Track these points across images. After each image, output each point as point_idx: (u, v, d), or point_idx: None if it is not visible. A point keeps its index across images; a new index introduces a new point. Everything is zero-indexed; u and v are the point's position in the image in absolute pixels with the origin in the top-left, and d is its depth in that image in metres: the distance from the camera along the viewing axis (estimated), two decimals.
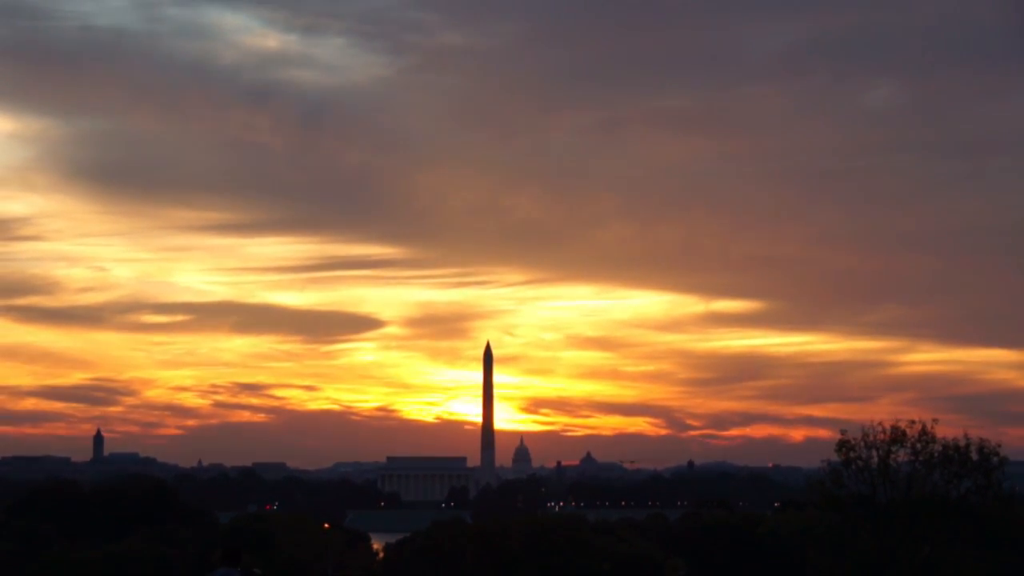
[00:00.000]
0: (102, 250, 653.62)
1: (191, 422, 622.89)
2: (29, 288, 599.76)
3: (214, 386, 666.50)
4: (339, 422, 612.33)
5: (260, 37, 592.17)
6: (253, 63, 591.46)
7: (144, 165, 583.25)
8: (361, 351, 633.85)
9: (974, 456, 67.43)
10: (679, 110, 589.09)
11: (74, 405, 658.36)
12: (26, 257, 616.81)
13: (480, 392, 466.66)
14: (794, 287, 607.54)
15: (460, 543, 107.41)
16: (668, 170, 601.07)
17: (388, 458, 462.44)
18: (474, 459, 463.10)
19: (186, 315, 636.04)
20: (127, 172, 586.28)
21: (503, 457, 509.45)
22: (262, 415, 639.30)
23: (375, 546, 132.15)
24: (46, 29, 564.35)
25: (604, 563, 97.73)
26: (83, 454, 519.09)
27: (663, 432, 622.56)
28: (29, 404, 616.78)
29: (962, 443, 67.61)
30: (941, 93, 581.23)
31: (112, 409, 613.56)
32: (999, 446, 67.72)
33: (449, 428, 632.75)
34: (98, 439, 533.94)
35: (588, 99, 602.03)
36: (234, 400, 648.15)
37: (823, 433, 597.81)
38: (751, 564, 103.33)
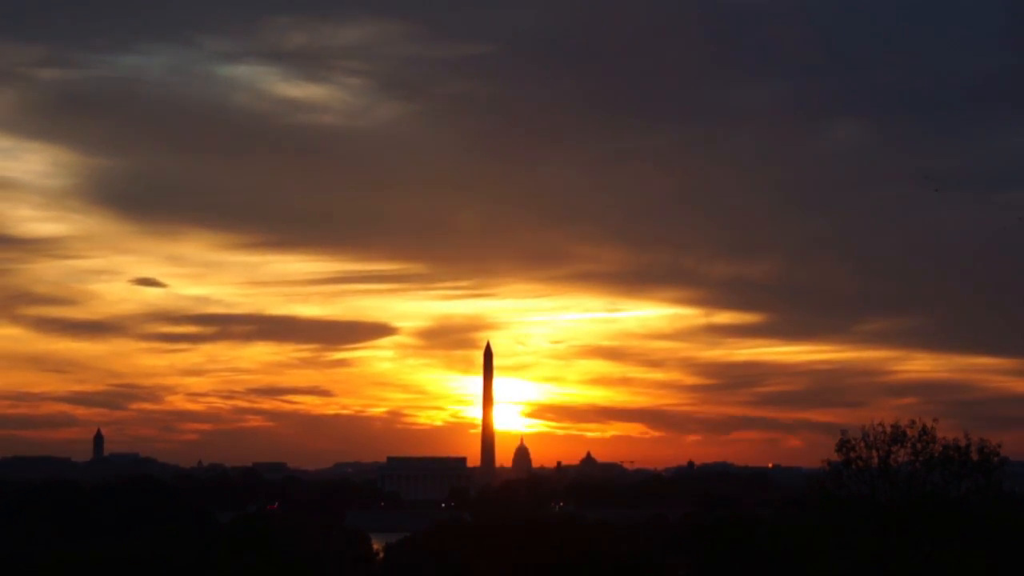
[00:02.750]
0: (132, 267, 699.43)
1: (207, 426, 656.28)
2: (64, 301, 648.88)
3: (232, 392, 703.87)
4: (347, 425, 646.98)
5: (279, 85, 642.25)
6: (273, 108, 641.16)
7: (174, 194, 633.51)
8: (375, 359, 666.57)
9: (974, 456, 67.47)
10: (668, 146, 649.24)
11: (97, 410, 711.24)
12: (63, 273, 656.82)
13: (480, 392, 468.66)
14: (787, 300, 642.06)
15: (460, 543, 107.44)
16: (660, 198, 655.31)
17: (388, 458, 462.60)
18: (474, 459, 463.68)
19: (209, 326, 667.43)
20: (157, 199, 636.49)
21: (503, 457, 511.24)
22: (277, 420, 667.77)
23: (375, 546, 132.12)
24: (85, 78, 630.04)
25: (604, 563, 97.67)
26: (84, 454, 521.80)
27: (664, 435, 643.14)
28: (56, 409, 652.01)
29: (962, 443, 67.69)
30: (901, 132, 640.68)
31: (133, 414, 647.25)
32: (999, 446, 67.85)
33: (453, 431, 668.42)
34: (98, 439, 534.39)
35: (585, 135, 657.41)
36: (250, 405, 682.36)
37: (822, 438, 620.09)
38: (751, 564, 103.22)
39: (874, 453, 68.45)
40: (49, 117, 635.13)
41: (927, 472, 68.01)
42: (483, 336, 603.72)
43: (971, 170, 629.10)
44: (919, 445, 67.96)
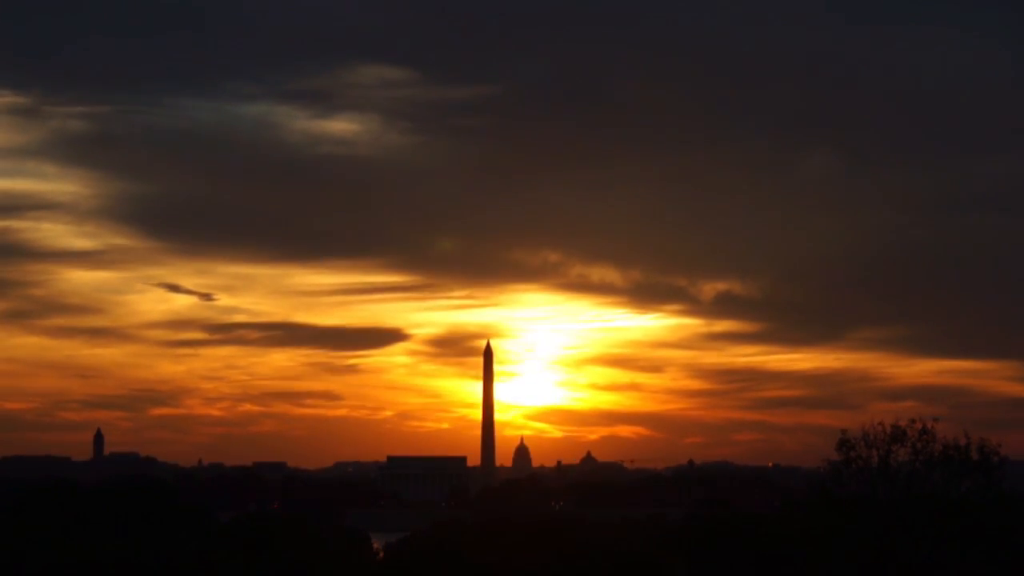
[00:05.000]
0: (158, 279, 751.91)
1: (221, 429, 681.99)
2: (92, 310, 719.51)
3: (249, 396, 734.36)
4: (355, 428, 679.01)
5: (298, 121, 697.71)
6: (293, 140, 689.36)
7: (199, 214, 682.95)
8: (386, 365, 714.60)
9: (974, 455, 67.45)
10: (660, 173, 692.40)
11: (117, 413, 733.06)
12: (93, 285, 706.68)
13: (481, 391, 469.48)
14: (782, 312, 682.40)
15: (460, 542, 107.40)
16: (651, 221, 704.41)
17: (389, 457, 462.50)
18: (474, 459, 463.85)
19: (229, 333, 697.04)
20: (184, 219, 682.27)
21: (503, 457, 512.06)
22: (289, 423, 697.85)
23: (375, 546, 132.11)
24: (119, 116, 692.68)
25: (604, 562, 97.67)
26: (84, 454, 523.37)
27: (665, 436, 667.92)
28: (78, 414, 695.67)
29: (962, 442, 67.67)
30: (881, 159, 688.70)
31: (150, 417, 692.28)
32: (999, 446, 67.86)
33: (455, 433, 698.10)
34: (98, 439, 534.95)
35: (582, 163, 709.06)
36: (264, 409, 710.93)
37: (822, 441, 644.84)
38: (751, 564, 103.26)
39: (874, 452, 68.42)
40: (87, 148, 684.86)
41: (927, 471, 67.99)
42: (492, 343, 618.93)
43: (947, 193, 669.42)
44: (919, 444, 67.94)
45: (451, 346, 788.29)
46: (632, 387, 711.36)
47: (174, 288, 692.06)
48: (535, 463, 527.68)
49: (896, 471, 68.50)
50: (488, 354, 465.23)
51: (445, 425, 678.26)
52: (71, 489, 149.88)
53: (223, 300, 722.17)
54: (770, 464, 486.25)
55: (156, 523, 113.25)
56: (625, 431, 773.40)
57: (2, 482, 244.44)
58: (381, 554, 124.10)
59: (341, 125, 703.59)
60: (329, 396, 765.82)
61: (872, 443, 68.42)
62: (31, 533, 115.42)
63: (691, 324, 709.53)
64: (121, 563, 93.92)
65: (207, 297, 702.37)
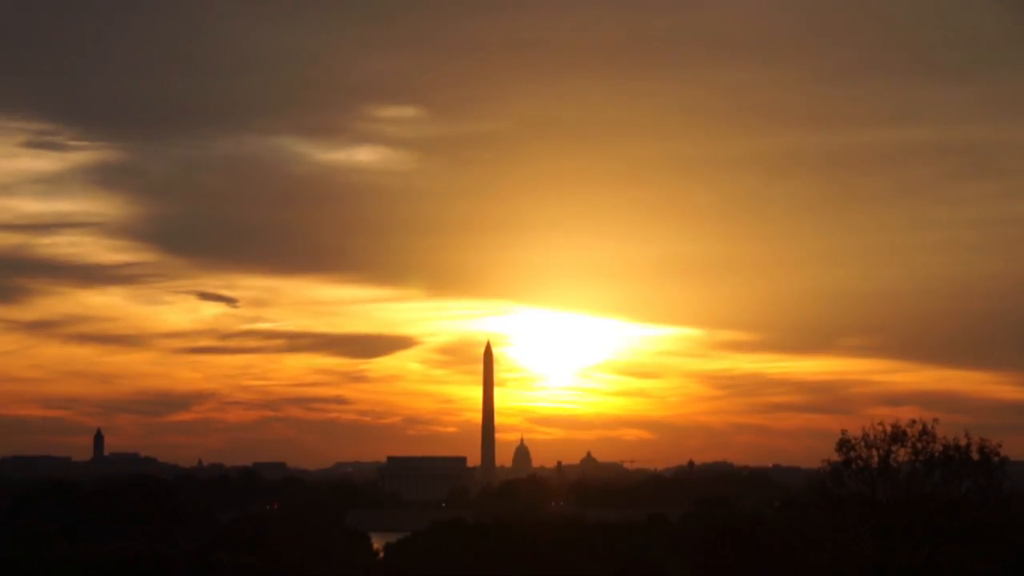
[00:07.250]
0: (184, 289, 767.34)
1: (234, 434, 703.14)
2: (118, 320, 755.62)
3: (264, 401, 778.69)
4: (365, 431, 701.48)
5: (314, 151, 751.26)
6: (312, 170, 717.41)
7: (222, 235, 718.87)
8: (396, 370, 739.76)
9: (975, 456, 67.47)
10: (653, 196, 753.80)
11: (136, 418, 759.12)
12: (122, 296, 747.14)
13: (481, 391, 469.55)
14: (778, 322, 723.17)
15: (460, 543, 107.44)
16: (645, 240, 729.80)
17: (388, 458, 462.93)
18: (474, 459, 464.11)
19: (246, 342, 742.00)
20: (208, 240, 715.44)
21: (503, 457, 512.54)
22: (300, 426, 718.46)
23: (375, 546, 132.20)
24: (154, 148, 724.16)
25: (604, 563, 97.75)
26: (83, 454, 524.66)
27: (665, 439, 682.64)
28: (99, 419, 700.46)
29: (963, 443, 67.69)
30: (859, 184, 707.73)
31: (167, 423, 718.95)
32: (999, 446, 67.90)
33: (457, 434, 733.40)
34: (98, 439, 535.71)
35: (577, 187, 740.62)
36: (277, 414, 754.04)
37: (822, 444, 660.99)
38: (751, 564, 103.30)
39: (874, 452, 68.43)
40: (116, 174, 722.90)
41: (927, 472, 68.01)
42: (496, 352, 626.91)
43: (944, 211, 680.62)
44: (919, 445, 67.97)
45: (458, 354, 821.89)
46: (634, 393, 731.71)
47: (204, 295, 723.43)
48: (535, 464, 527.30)
49: (896, 471, 68.52)
50: (488, 355, 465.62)
51: (452, 429, 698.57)
52: (72, 490, 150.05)
53: (241, 311, 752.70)
54: (771, 464, 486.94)
55: (156, 523, 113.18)
56: (626, 434, 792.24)
57: (2, 483, 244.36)
58: (381, 554, 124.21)
59: (354, 155, 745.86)
60: (341, 401, 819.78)
61: (872, 443, 68.44)
62: (32, 533, 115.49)
63: (695, 334, 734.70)
64: (121, 563, 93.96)
65: (232, 302, 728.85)
